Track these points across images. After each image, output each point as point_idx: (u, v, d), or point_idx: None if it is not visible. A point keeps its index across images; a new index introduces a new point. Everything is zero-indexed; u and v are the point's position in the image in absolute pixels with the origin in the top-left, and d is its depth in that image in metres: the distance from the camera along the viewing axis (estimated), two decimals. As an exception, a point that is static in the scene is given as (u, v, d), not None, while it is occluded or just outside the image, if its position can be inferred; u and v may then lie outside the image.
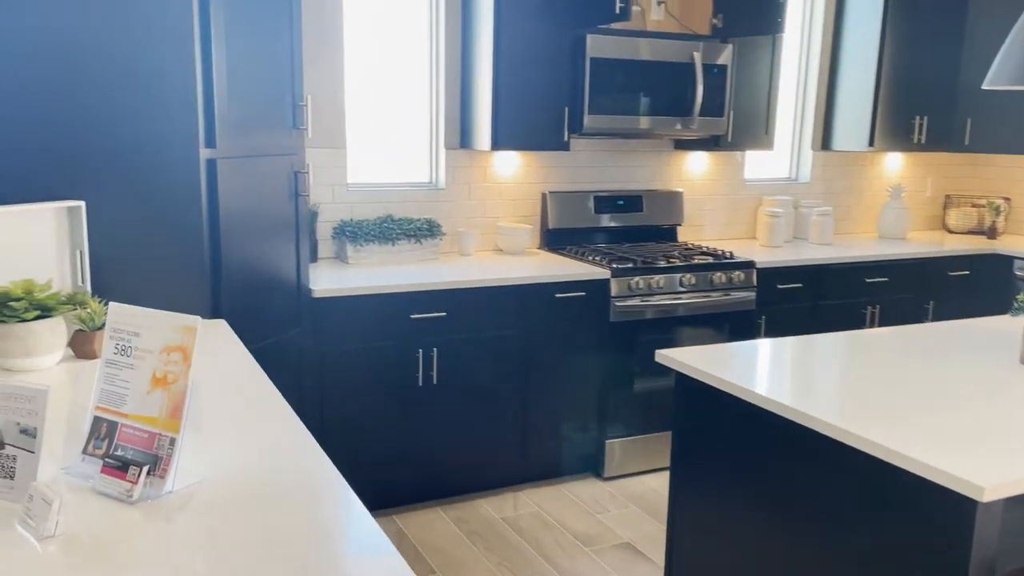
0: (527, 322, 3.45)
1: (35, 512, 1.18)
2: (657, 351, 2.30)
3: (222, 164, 2.49)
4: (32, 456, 1.29)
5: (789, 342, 2.43)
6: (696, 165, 4.45)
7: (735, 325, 3.89)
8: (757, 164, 4.72)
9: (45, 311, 1.94)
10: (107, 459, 1.35)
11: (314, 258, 3.57)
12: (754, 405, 1.99)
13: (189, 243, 2.43)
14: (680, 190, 4.36)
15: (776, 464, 1.96)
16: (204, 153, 2.43)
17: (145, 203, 2.35)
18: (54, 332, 1.96)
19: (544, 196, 4.05)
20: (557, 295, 3.49)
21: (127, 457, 1.34)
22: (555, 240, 4.09)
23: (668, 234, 4.36)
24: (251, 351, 2.72)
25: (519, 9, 3.51)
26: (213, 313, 2.54)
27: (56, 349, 1.99)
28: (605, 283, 3.58)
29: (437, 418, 3.36)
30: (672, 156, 4.39)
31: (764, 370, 2.13)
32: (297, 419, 1.67)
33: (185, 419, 1.34)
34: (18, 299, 1.90)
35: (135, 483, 1.30)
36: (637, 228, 4.26)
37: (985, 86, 2.33)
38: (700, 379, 2.16)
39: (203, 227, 2.45)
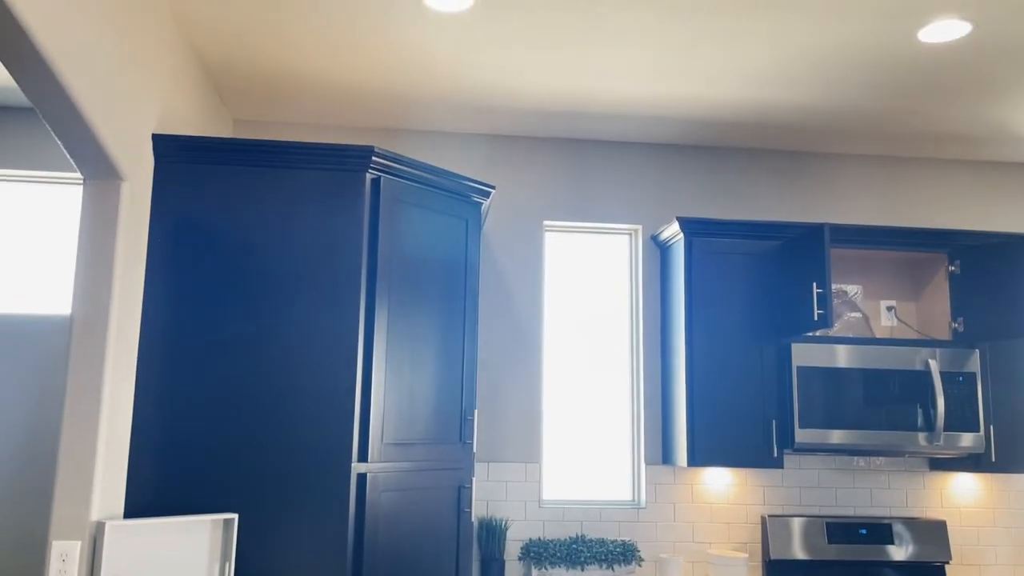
0: (725, 676, 2.88)
1: None
2: None
3: (374, 478, 2.54)
4: None
5: None
6: (961, 489, 3.71)
7: None
8: (1053, 489, 3.82)
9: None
10: None
11: (500, 577, 3.39)
12: None
13: (333, 554, 2.43)
14: (942, 519, 3.62)
15: None
16: (356, 467, 2.50)
17: (295, 514, 2.43)
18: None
19: (764, 520, 3.58)
20: (763, 644, 2.90)
21: None
22: (779, 573, 3.51)
23: (931, 573, 3.56)
24: None
25: (712, 320, 3.40)
26: (349, 634, 2.44)
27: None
28: (828, 633, 2.93)
29: None
30: (926, 478, 3.72)
31: None
32: None
33: None
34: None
35: None
36: (886, 564, 3.54)
37: None
38: None
39: (348, 540, 2.45)
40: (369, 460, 2.54)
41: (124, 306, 2.37)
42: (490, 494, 3.53)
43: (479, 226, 3.06)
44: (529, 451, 3.59)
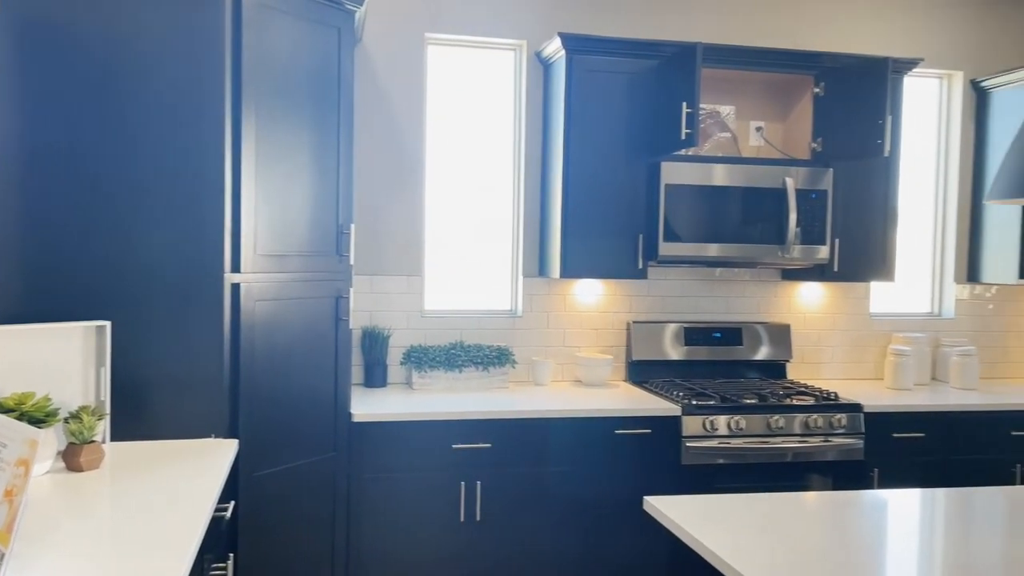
0: (582, 459, 3.23)
1: None
2: (645, 498, 2.04)
3: (248, 288, 2.61)
4: None
5: (814, 498, 2.07)
6: (808, 297, 4.09)
7: (840, 477, 3.41)
8: (892, 298, 4.25)
9: (34, 422, 2.07)
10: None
11: (383, 383, 3.60)
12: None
13: (208, 363, 2.53)
14: (787, 323, 4.00)
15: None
16: (230, 277, 2.56)
17: (171, 324, 2.50)
18: (42, 443, 2.08)
19: (629, 325, 3.87)
20: (617, 431, 3.25)
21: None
22: (640, 373, 3.86)
23: (775, 371, 3.98)
24: (276, 473, 2.75)
25: (590, 138, 3.49)
26: (230, 433, 2.60)
27: (43, 459, 2.10)
28: (675, 420, 3.29)
29: (477, 557, 3.17)
30: (779, 287, 4.06)
31: (756, 531, 1.82)
32: (186, 556, 1.63)
33: (15, 534, 1.34)
34: (8, 410, 2.05)
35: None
36: (736, 363, 3.93)
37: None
38: (678, 534, 1.87)
39: (224, 348, 2.55)
40: (242, 271, 2.60)
41: (-32, 114, 2.26)
42: (374, 305, 3.68)
43: (353, 36, 2.98)
44: (412, 265, 3.72)
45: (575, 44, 3.46)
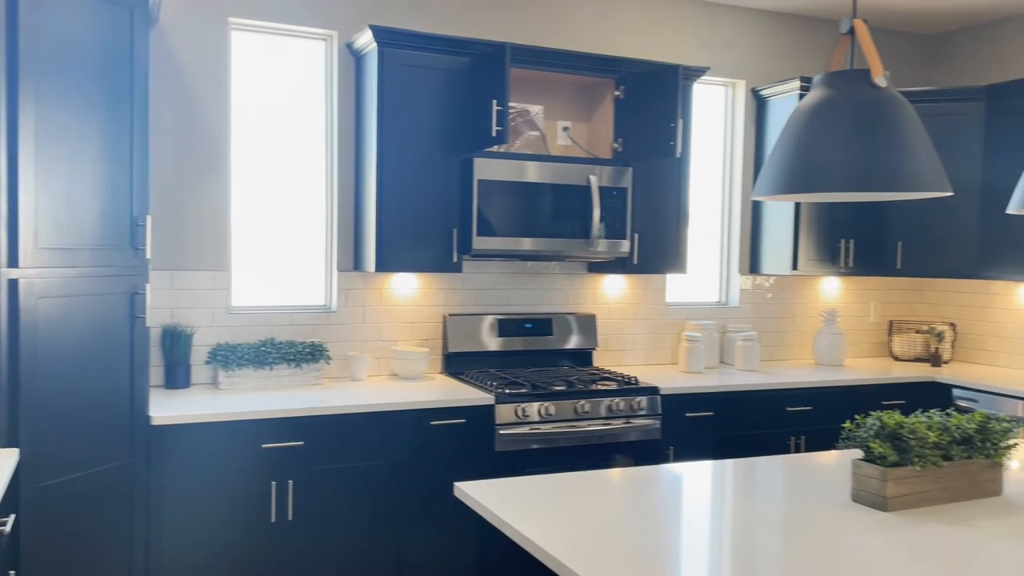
0: (398, 452, 3.25)
1: None
2: (456, 484, 2.09)
3: (29, 283, 2.40)
4: None
5: (595, 476, 2.21)
6: (612, 289, 4.33)
7: (641, 456, 3.65)
8: (685, 288, 4.59)
9: None
10: None
11: (186, 383, 3.43)
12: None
13: (-19, 366, 2.31)
14: (593, 313, 4.22)
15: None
16: (6, 273, 2.34)
17: (-67, 324, 2.25)
18: None
19: (445, 318, 3.93)
20: (432, 422, 3.29)
21: None
22: (456, 365, 3.93)
23: (582, 358, 4.19)
24: (66, 483, 2.55)
25: (403, 133, 3.50)
26: (9, 441, 2.38)
27: None
28: (489, 409, 3.38)
29: (291, 557, 3.11)
30: (586, 279, 4.27)
31: (546, 507, 1.92)
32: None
33: None
34: None
35: None
36: (546, 352, 4.09)
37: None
38: (486, 517, 1.94)
39: (0, 345, 2.33)
40: (21, 265, 2.38)
41: None
42: (175, 302, 3.49)
43: (148, 17, 2.81)
44: (217, 259, 3.56)
45: (387, 37, 3.45)
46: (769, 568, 1.58)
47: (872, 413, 1.98)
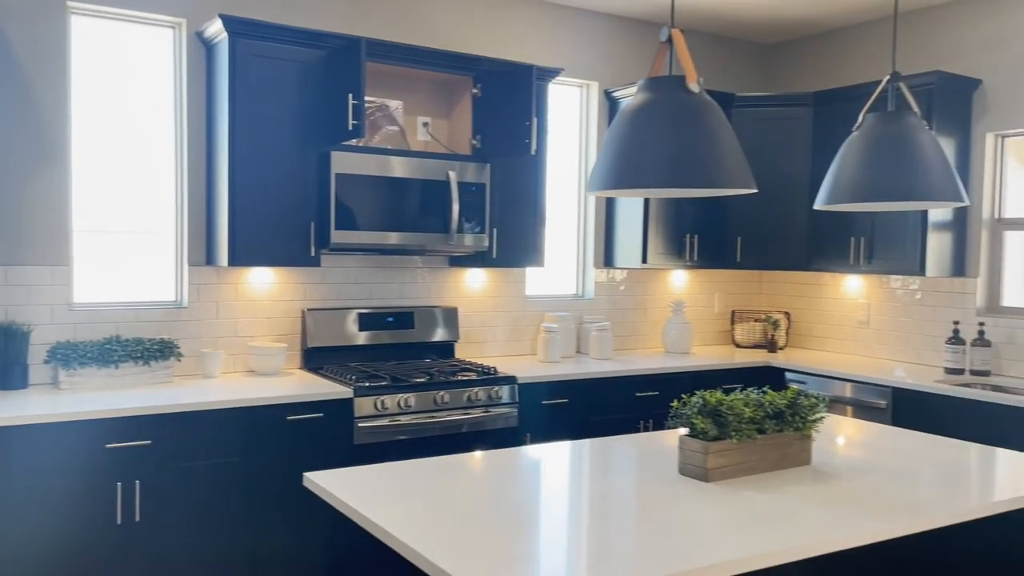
0: (253, 449, 3.21)
1: None
2: (305, 475, 2.11)
3: None
4: None
5: (434, 462, 2.29)
6: (473, 282, 4.42)
7: (499, 444, 3.75)
8: (544, 281, 4.74)
9: None
10: None
11: (23, 384, 3.25)
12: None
13: None
14: (455, 306, 4.30)
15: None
16: None
17: None
18: None
19: (303, 313, 3.90)
20: (289, 417, 3.28)
21: None
22: (316, 360, 3.91)
23: (445, 351, 4.26)
24: None
25: (257, 125, 3.45)
26: None
27: None
28: (347, 403, 3.39)
29: (139, 558, 3.01)
30: (448, 273, 4.34)
31: (397, 493, 1.97)
32: None
33: None
34: None
35: None
36: (409, 345, 4.14)
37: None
38: (338, 507, 1.97)
39: None
40: None
41: None
42: (10, 299, 3.30)
43: (-28, -4, 2.65)
44: (57, 254, 3.39)
45: (238, 27, 3.39)
46: (599, 543, 1.70)
47: (697, 392, 2.15)
